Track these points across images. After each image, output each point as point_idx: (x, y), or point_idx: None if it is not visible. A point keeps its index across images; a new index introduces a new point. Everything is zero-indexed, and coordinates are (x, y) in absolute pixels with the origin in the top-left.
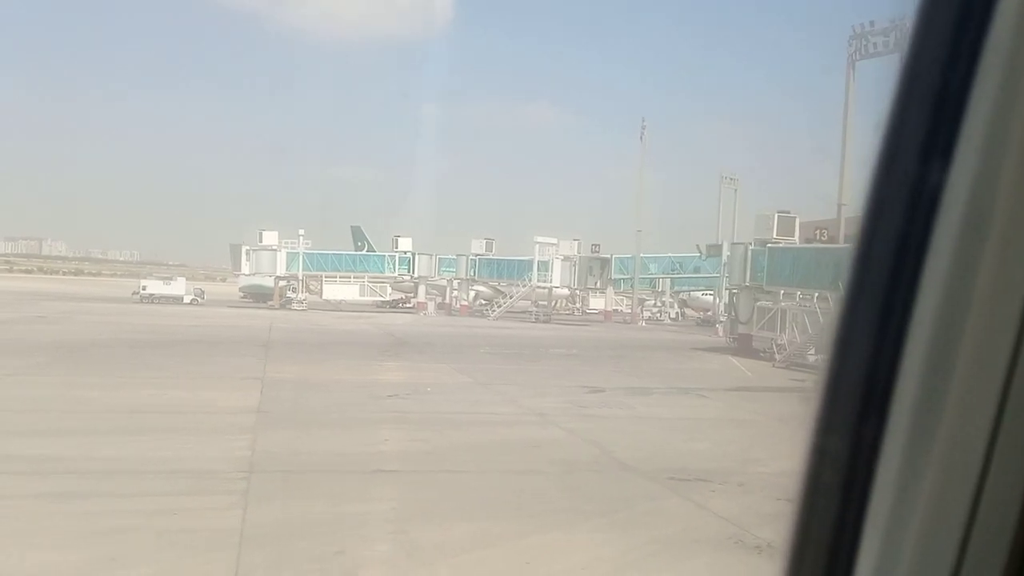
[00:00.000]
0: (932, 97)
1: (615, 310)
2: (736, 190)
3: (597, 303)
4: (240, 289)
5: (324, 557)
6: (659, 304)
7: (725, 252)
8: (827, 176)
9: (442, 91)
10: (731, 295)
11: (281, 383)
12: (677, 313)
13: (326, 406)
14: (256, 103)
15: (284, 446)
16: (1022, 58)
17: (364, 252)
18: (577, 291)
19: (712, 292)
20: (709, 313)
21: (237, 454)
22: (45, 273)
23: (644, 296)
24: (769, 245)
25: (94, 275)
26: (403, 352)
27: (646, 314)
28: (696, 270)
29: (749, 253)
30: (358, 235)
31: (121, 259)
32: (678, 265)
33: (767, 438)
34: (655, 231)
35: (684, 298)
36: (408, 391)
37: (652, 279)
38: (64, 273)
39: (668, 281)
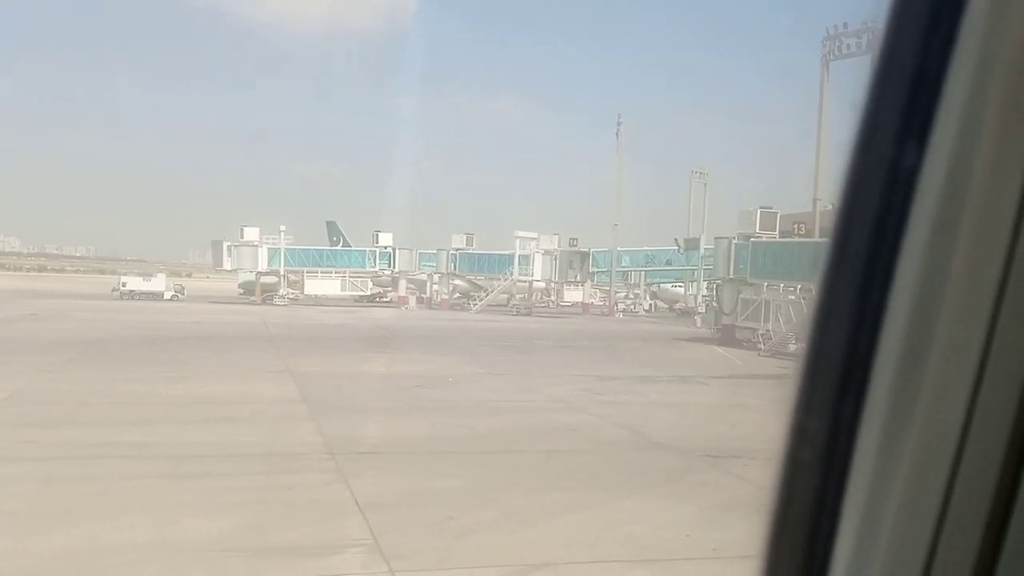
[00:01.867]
0: (903, 94)
1: (590, 302)
2: (706, 184)
3: (571, 296)
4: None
5: (438, 522)
6: (632, 296)
7: (703, 245)
8: (804, 171)
9: (421, 86)
10: (715, 287)
11: (308, 376)
12: (651, 305)
13: (362, 396)
14: (222, 98)
15: (347, 431)
16: (992, 55)
17: (340, 247)
18: (553, 284)
19: (681, 284)
20: (679, 304)
21: (310, 438)
22: (7, 270)
23: (617, 288)
24: (752, 239)
25: (58, 271)
26: (404, 345)
27: (621, 306)
28: (668, 263)
29: (732, 247)
30: (333, 230)
31: (77, 255)
32: (652, 258)
33: (775, 420)
34: (633, 224)
35: (655, 290)
36: (430, 382)
37: (625, 272)
38: (27, 270)
39: (642, 274)
